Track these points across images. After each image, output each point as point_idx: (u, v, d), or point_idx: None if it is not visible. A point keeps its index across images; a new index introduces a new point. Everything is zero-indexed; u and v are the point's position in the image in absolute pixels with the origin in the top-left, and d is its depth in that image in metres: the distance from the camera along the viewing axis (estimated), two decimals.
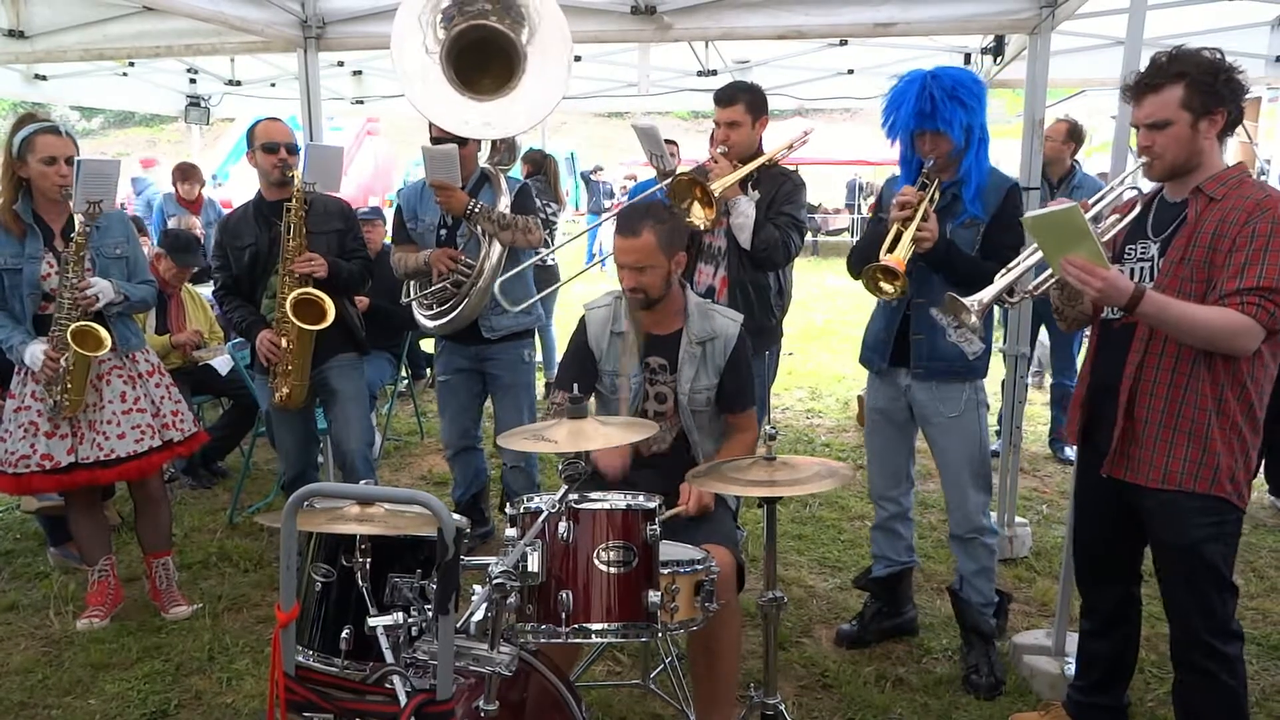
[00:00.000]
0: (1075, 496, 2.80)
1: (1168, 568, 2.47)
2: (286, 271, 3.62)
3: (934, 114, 2.94)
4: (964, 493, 3.21)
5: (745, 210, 3.52)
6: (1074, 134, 5.47)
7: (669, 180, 3.51)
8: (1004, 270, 2.57)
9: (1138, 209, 2.52)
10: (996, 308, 2.70)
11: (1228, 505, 2.36)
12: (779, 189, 3.61)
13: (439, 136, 3.78)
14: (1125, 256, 2.50)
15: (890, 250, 2.92)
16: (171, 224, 7.40)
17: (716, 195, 3.33)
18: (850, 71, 6.46)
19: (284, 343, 3.67)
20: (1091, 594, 2.78)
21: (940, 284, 2.94)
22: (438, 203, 3.84)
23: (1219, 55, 2.30)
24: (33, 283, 3.38)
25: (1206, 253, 2.29)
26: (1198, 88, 2.27)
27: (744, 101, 3.56)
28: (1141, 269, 2.44)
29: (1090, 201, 2.55)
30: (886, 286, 2.91)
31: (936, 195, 3.00)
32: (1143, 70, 2.36)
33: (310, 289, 3.61)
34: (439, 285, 3.91)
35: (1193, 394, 2.34)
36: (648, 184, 4.21)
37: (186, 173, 8.07)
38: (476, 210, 3.80)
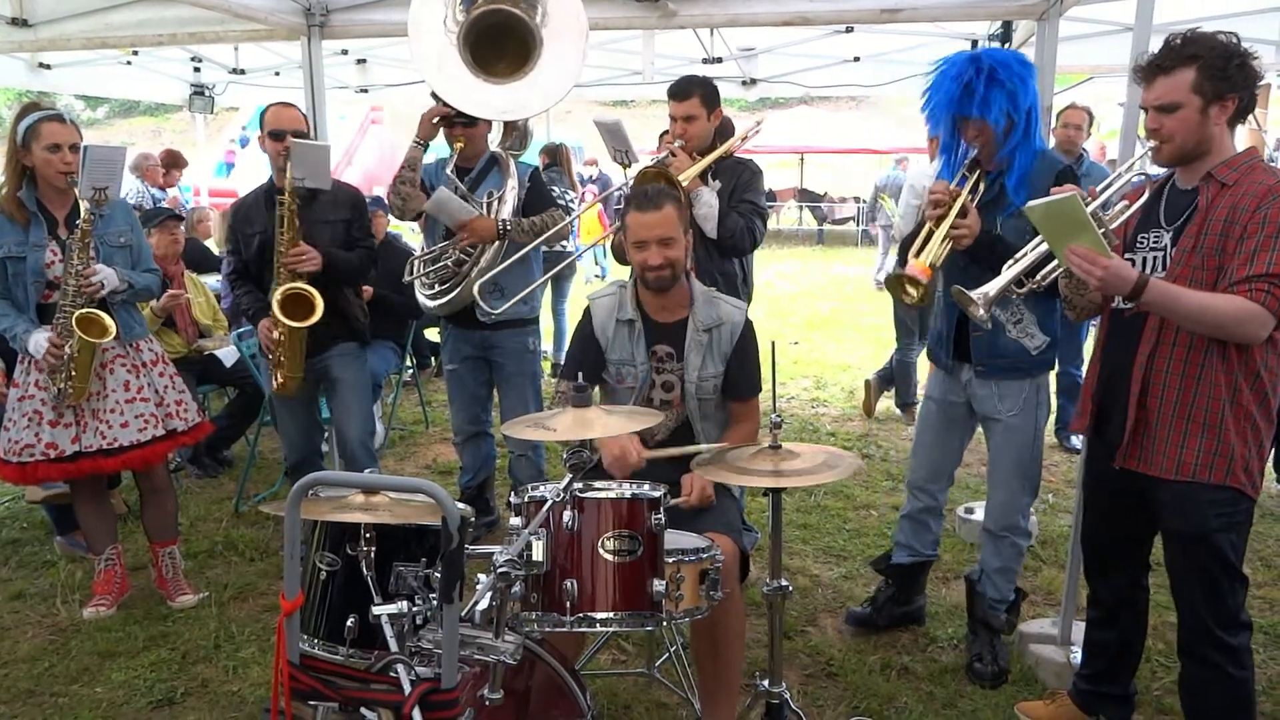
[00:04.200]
0: (1084, 487, 2.78)
1: (1179, 558, 2.45)
2: (281, 265, 3.62)
3: (970, 98, 2.80)
4: (1009, 492, 3.14)
5: (709, 200, 3.57)
6: (1090, 120, 5.47)
7: (636, 172, 3.55)
8: (1011, 261, 2.55)
9: (1146, 196, 2.49)
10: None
11: (1241, 495, 2.34)
12: (738, 178, 3.67)
13: (445, 113, 3.80)
14: (1137, 245, 2.46)
15: (918, 253, 2.84)
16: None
17: (684, 185, 3.37)
18: (856, 59, 6.43)
19: (275, 334, 3.68)
20: (1098, 583, 2.77)
21: (990, 276, 2.74)
22: (465, 241, 3.85)
23: (1234, 40, 2.27)
24: (36, 271, 3.38)
25: (1219, 240, 2.26)
26: (1210, 72, 2.23)
27: (699, 95, 3.60)
28: (1154, 258, 2.41)
29: (1098, 189, 2.52)
30: (911, 291, 2.85)
31: (981, 187, 2.90)
32: (1155, 52, 2.33)
33: (300, 284, 3.59)
34: (441, 264, 3.90)
35: (1206, 383, 2.31)
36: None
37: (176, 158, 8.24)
38: (509, 229, 3.82)
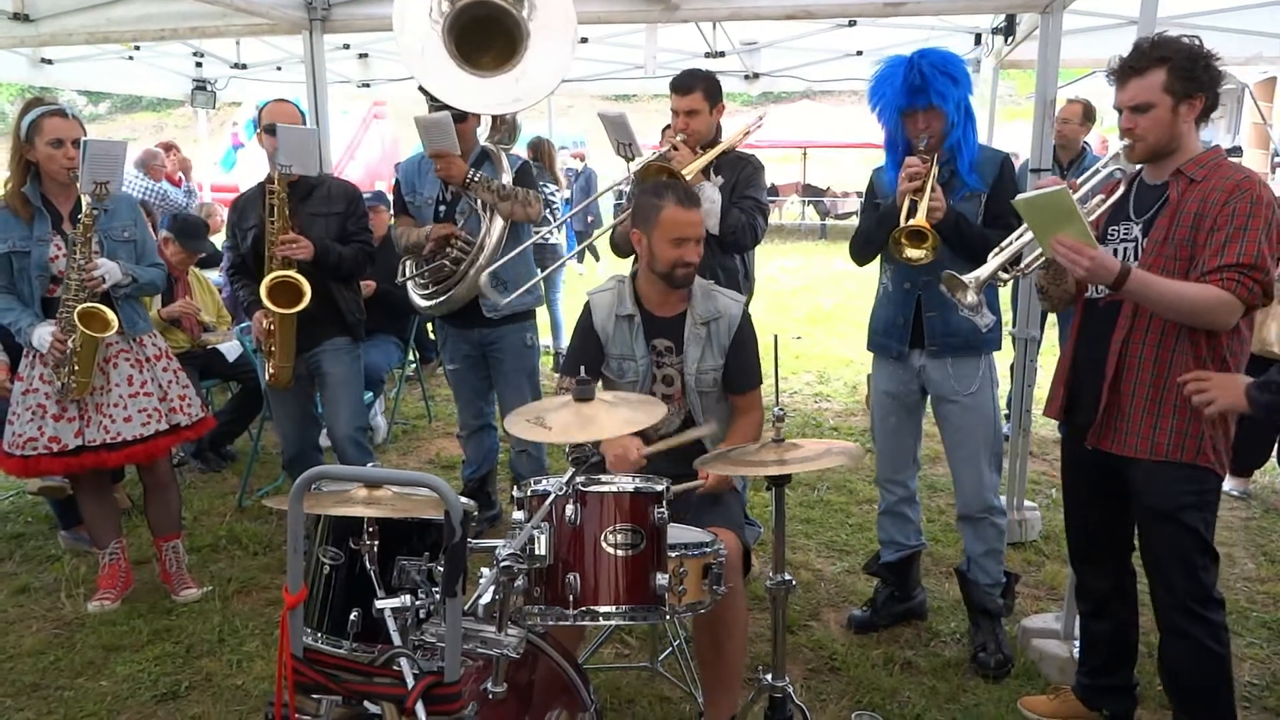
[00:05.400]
0: (1063, 473, 2.84)
1: (1152, 536, 2.53)
2: (271, 254, 3.62)
3: (926, 89, 2.94)
4: (978, 471, 3.20)
5: (711, 196, 3.55)
6: (1088, 114, 5.41)
7: (640, 167, 3.53)
8: (997, 250, 2.63)
9: (1121, 190, 2.58)
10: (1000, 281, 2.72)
11: (1210, 474, 2.46)
12: (740, 173, 3.65)
13: (437, 108, 3.78)
14: (1108, 238, 2.56)
15: (908, 218, 2.91)
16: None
17: (688, 180, 3.35)
18: (859, 53, 6.40)
19: (265, 323, 3.68)
20: (1086, 573, 2.83)
21: (949, 259, 2.94)
22: (437, 171, 3.83)
23: (1198, 42, 2.39)
24: (41, 265, 3.38)
25: (1189, 232, 2.37)
26: (1179, 73, 2.35)
27: (701, 89, 3.59)
28: (1125, 249, 2.52)
29: (1079, 181, 2.61)
30: (914, 252, 2.91)
31: (936, 170, 3.00)
32: (1126, 55, 2.43)
33: (289, 272, 3.60)
34: (437, 263, 3.89)
35: (1177, 368, 2.41)
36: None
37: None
38: (476, 180, 3.79)
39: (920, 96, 2.96)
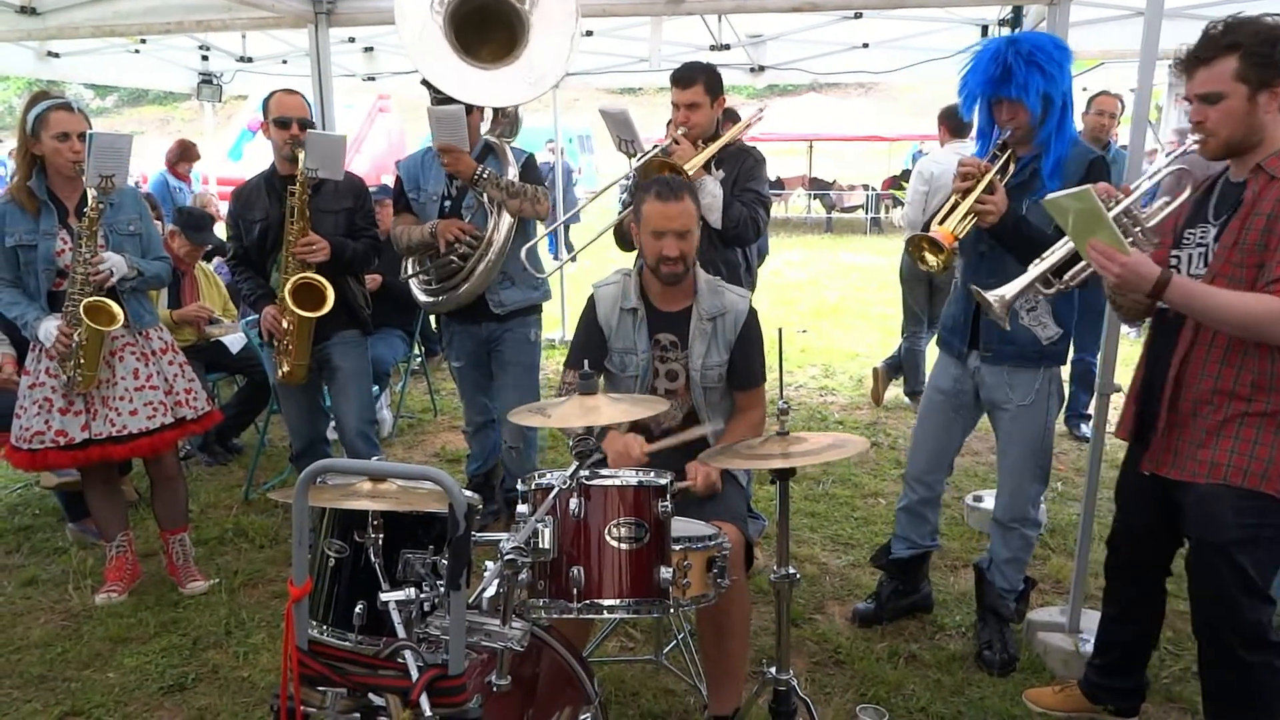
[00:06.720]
0: (1118, 489, 2.67)
1: (1197, 566, 2.35)
2: (290, 254, 3.63)
3: (1008, 80, 2.79)
4: (1020, 482, 3.12)
5: (712, 190, 3.54)
6: (1123, 109, 5.34)
7: (641, 162, 3.52)
8: (1037, 260, 2.48)
9: (1188, 191, 2.35)
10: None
11: (1274, 504, 2.22)
12: (741, 166, 3.63)
13: (440, 101, 3.76)
14: (1184, 241, 2.34)
15: (942, 221, 2.80)
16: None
17: (690, 175, 3.33)
18: (865, 45, 6.39)
19: (284, 323, 3.69)
20: (1119, 584, 2.72)
21: (1012, 263, 2.78)
22: (444, 165, 3.81)
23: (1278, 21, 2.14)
24: (47, 259, 3.39)
25: (1261, 235, 2.13)
26: (1254, 59, 2.12)
27: (703, 82, 3.56)
28: (1198, 254, 2.29)
29: (1132, 186, 2.43)
30: (930, 259, 2.81)
31: (1011, 167, 2.87)
32: (1194, 43, 2.21)
33: (311, 274, 3.62)
34: (444, 258, 3.88)
35: (1243, 388, 2.22)
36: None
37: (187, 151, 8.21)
38: (485, 176, 3.77)
39: (1002, 86, 2.80)
